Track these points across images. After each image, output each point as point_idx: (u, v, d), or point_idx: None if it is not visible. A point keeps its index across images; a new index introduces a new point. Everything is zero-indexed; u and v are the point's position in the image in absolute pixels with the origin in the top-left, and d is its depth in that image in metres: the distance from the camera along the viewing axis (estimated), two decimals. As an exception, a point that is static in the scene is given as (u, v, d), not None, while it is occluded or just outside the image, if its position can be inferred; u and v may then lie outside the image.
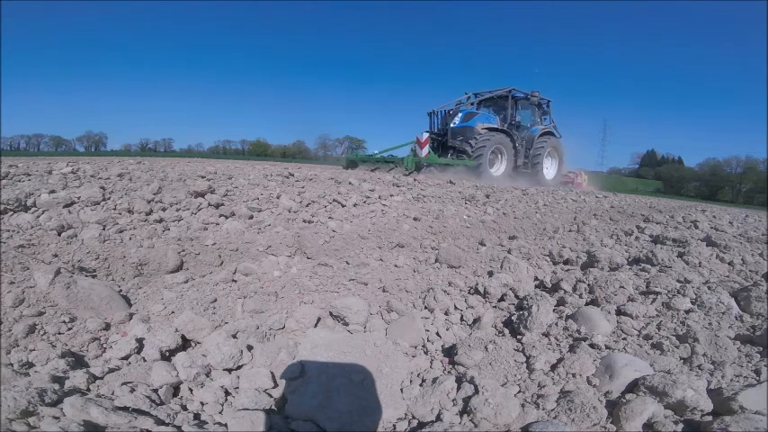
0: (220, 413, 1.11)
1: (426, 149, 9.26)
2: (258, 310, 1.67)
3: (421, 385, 1.26)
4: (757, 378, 1.22)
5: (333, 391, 1.16)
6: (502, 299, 1.94)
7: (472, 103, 11.45)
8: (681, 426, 1.02)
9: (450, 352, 1.45)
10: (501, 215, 4.08)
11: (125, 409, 0.96)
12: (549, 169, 12.45)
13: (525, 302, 1.69)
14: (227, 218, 2.67)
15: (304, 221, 2.86)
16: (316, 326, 1.55)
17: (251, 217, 2.74)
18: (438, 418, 1.11)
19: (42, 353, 1.25)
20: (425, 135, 9.40)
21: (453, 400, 1.16)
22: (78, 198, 2.44)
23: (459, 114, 10.57)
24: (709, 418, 1.03)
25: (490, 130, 10.34)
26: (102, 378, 1.20)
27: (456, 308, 1.83)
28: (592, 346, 1.43)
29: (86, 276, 1.79)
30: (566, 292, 1.96)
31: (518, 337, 1.55)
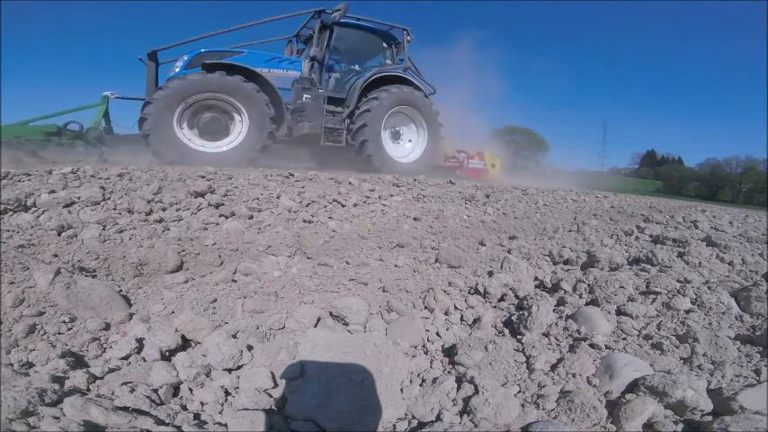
0: (220, 413, 1.11)
1: None
2: (258, 310, 1.67)
3: (421, 385, 1.26)
4: (757, 378, 1.22)
5: (333, 391, 1.16)
6: (502, 299, 1.94)
7: (294, 51, 7.45)
8: (681, 426, 1.02)
9: (450, 352, 1.45)
10: (501, 215, 4.07)
11: (125, 409, 0.96)
12: (407, 144, 7.33)
13: (525, 302, 1.69)
14: (227, 218, 2.67)
15: (304, 221, 2.85)
16: (316, 326, 1.55)
17: (251, 217, 2.74)
18: (438, 418, 1.11)
19: (42, 353, 1.25)
20: None
21: (453, 400, 1.16)
22: (78, 198, 2.44)
23: (185, 57, 5.92)
24: (710, 418, 1.03)
25: (228, 71, 5.51)
26: (102, 378, 1.20)
27: (456, 308, 1.83)
28: (592, 346, 1.43)
29: (86, 276, 1.79)
30: (566, 292, 1.96)
31: (518, 337, 1.55)
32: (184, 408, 1.12)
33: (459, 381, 1.23)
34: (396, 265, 2.29)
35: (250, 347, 1.37)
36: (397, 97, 6.75)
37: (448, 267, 2.39)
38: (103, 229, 2.22)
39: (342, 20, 6.54)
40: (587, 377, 1.25)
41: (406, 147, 7.33)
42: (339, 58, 7.10)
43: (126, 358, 1.30)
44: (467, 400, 1.13)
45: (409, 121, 7.27)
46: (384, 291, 1.94)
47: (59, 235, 2.07)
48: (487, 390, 1.11)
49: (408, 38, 7.38)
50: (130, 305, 1.71)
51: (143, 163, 4.10)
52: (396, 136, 7.22)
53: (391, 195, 3.98)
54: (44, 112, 5.53)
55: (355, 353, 1.33)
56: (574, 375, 1.25)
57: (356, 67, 7.30)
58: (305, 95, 6.20)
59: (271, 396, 1.21)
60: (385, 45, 7.40)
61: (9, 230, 1.97)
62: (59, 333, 1.40)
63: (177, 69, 5.85)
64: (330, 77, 6.85)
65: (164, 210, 2.59)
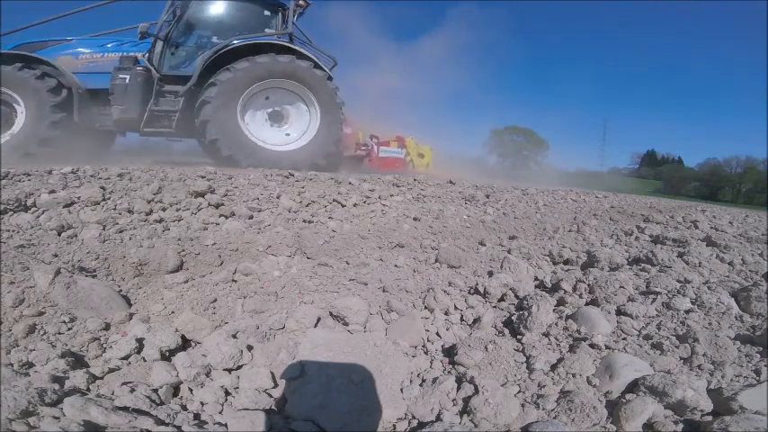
0: (220, 413, 1.11)
1: None
2: (258, 310, 1.67)
3: (421, 385, 1.26)
4: (757, 378, 1.22)
5: (333, 391, 1.16)
6: (502, 299, 1.94)
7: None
8: (681, 426, 1.02)
9: (450, 352, 1.45)
10: (501, 215, 4.08)
11: (125, 409, 0.96)
12: (291, 129, 5.89)
13: (525, 302, 1.69)
14: (227, 218, 2.67)
15: (304, 221, 2.85)
16: (316, 326, 1.55)
17: (251, 217, 2.74)
18: (438, 418, 1.11)
19: (42, 353, 1.25)
20: None
21: (453, 400, 1.16)
22: (78, 198, 2.44)
23: None
24: (710, 418, 1.03)
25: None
26: (102, 378, 1.20)
27: (456, 308, 1.83)
28: (592, 346, 1.43)
29: (86, 276, 1.79)
30: (566, 292, 1.96)
31: (518, 337, 1.55)
32: (184, 408, 1.12)
33: (459, 381, 1.23)
34: (396, 265, 2.29)
35: (250, 347, 1.37)
36: (264, 68, 5.39)
37: (448, 267, 2.39)
38: (103, 229, 2.22)
39: None
40: (587, 377, 1.25)
41: (291, 132, 5.94)
42: (209, 32, 6.02)
43: (126, 358, 1.30)
44: (467, 400, 1.13)
45: (296, 99, 5.82)
46: (384, 291, 1.94)
47: (59, 235, 2.07)
48: (487, 390, 1.11)
49: (301, 2, 6.29)
50: (130, 305, 1.71)
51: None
52: (276, 118, 5.89)
53: (391, 195, 3.98)
54: None
55: (355, 353, 1.33)
56: (574, 375, 1.25)
57: (215, 39, 5.97)
58: (119, 76, 5.41)
59: (271, 396, 1.21)
60: (268, 14, 6.22)
61: (9, 230, 1.97)
62: (59, 333, 1.40)
63: None
64: (182, 55, 5.91)
65: (164, 210, 2.59)
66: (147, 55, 5.64)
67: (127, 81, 5.41)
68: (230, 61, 5.44)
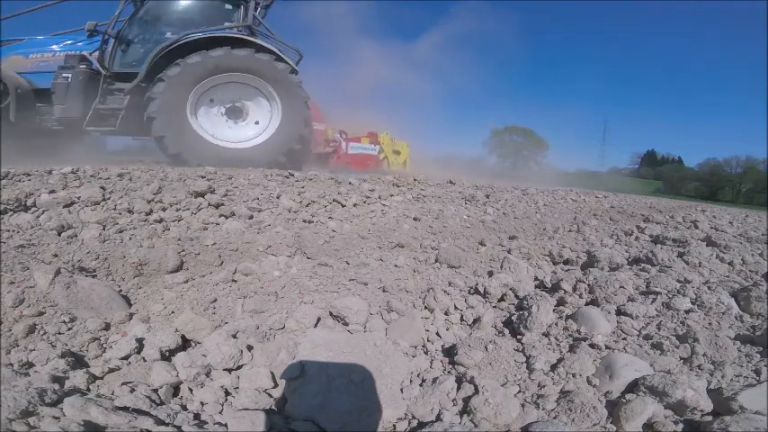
0: (220, 413, 1.11)
1: None
2: (258, 310, 1.67)
3: (421, 385, 1.26)
4: (757, 378, 1.22)
5: (333, 391, 1.16)
6: (502, 299, 1.94)
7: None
8: (681, 426, 1.02)
9: (450, 352, 1.45)
10: (501, 215, 4.07)
11: (125, 409, 0.96)
12: (252, 125, 5.65)
13: (525, 302, 1.70)
14: (227, 218, 2.67)
15: (304, 221, 2.85)
16: (316, 326, 1.55)
17: (251, 217, 2.74)
18: (438, 418, 1.11)
19: (42, 353, 1.25)
20: None
21: (453, 400, 1.16)
22: (78, 198, 2.44)
23: None
24: (710, 418, 1.03)
25: None
26: (102, 378, 1.20)
27: (456, 308, 1.83)
28: (592, 346, 1.43)
29: (86, 276, 1.79)
30: (566, 292, 1.96)
31: (518, 337, 1.55)
32: (184, 408, 1.12)
33: (459, 381, 1.23)
34: (396, 265, 2.29)
35: (250, 347, 1.37)
36: (216, 62, 5.15)
37: (448, 267, 2.39)
38: (103, 229, 2.22)
39: None
40: (587, 377, 1.25)
41: (251, 128, 5.67)
42: (166, 28, 5.85)
43: (126, 358, 1.30)
44: (467, 400, 1.13)
45: (257, 94, 5.58)
46: (384, 291, 1.94)
47: (59, 235, 2.07)
48: (487, 390, 1.11)
49: None
50: (130, 305, 1.71)
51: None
52: (235, 114, 5.66)
53: (391, 195, 3.98)
54: None
55: (355, 353, 1.33)
56: (574, 375, 1.25)
57: (169, 35, 5.68)
58: (62, 75, 5.32)
59: (271, 396, 1.21)
60: (229, 7, 6.07)
61: (9, 230, 1.97)
62: (59, 333, 1.40)
63: None
64: (135, 52, 5.75)
65: (164, 210, 2.59)
66: (95, 53, 5.54)
67: (69, 80, 5.33)
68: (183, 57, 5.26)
